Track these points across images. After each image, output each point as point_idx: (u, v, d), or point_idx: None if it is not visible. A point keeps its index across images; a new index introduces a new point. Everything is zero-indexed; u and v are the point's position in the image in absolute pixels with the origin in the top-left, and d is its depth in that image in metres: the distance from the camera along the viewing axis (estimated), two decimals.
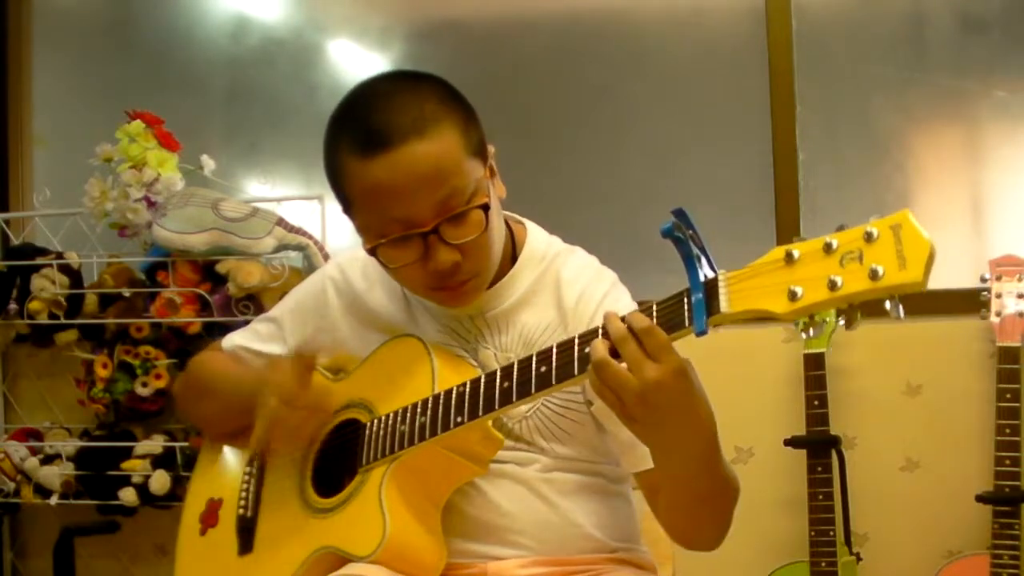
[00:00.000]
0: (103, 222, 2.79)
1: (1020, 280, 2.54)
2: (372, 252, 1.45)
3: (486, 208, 1.42)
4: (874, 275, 1.07)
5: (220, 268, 2.72)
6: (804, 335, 1.18)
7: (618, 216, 3.06)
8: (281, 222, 2.75)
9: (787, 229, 2.90)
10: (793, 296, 1.12)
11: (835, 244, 1.10)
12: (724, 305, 1.17)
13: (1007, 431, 2.48)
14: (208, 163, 2.79)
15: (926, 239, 1.05)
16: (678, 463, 1.33)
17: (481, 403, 1.38)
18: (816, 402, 2.60)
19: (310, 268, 2.68)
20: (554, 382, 1.31)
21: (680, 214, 1.19)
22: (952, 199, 2.99)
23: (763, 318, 1.16)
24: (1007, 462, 2.48)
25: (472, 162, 1.43)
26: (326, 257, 2.71)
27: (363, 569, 1.40)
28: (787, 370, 2.73)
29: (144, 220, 2.71)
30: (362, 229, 1.47)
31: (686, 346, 1.25)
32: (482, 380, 1.39)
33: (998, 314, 2.53)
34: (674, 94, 3.07)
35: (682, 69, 3.07)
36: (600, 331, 1.27)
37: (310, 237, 2.75)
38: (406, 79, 1.47)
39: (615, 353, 1.24)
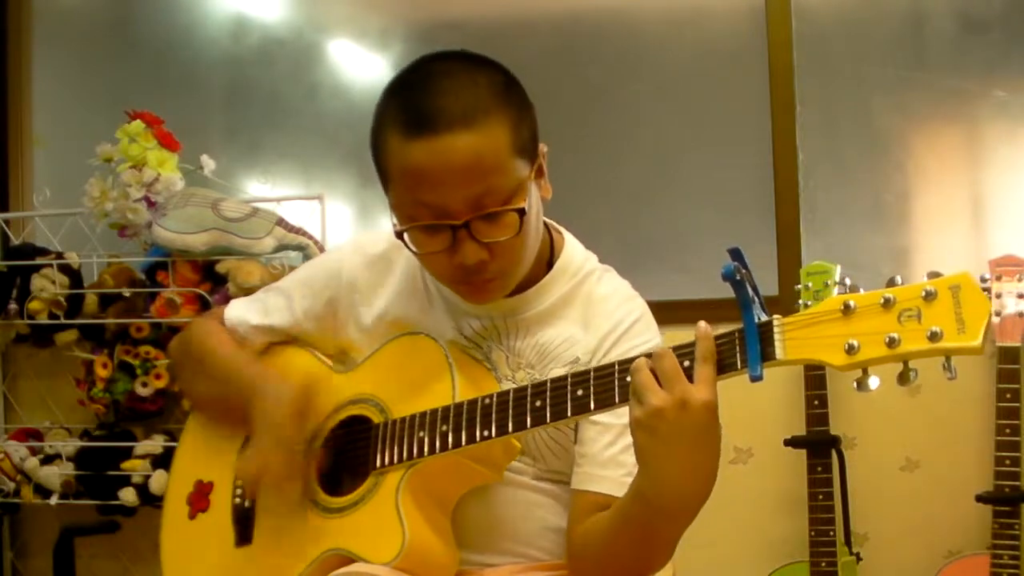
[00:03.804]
0: (103, 222, 2.79)
1: (1020, 280, 2.54)
2: (400, 234, 1.42)
3: (522, 212, 1.38)
4: (933, 336, 1.09)
5: (220, 268, 2.72)
6: (854, 385, 1.16)
7: (618, 216, 3.06)
8: (281, 222, 2.75)
9: (787, 229, 2.90)
10: (850, 349, 1.13)
11: (893, 299, 1.11)
12: (779, 352, 1.17)
13: (1007, 431, 2.48)
14: (208, 163, 2.79)
15: (987, 304, 1.08)
16: (663, 497, 1.26)
17: (511, 420, 1.35)
18: (816, 402, 2.60)
19: None
20: (592, 407, 1.30)
21: (736, 254, 1.19)
22: (952, 199, 2.98)
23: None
24: (1007, 462, 2.48)
25: (517, 162, 1.39)
26: None
27: (371, 568, 1.38)
28: (787, 369, 2.71)
29: (144, 220, 2.71)
30: (395, 207, 1.43)
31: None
32: (511, 396, 1.36)
33: (998, 314, 2.53)
34: (674, 94, 3.07)
35: (682, 69, 3.07)
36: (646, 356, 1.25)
37: (310, 237, 2.75)
38: (468, 62, 1.42)
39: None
